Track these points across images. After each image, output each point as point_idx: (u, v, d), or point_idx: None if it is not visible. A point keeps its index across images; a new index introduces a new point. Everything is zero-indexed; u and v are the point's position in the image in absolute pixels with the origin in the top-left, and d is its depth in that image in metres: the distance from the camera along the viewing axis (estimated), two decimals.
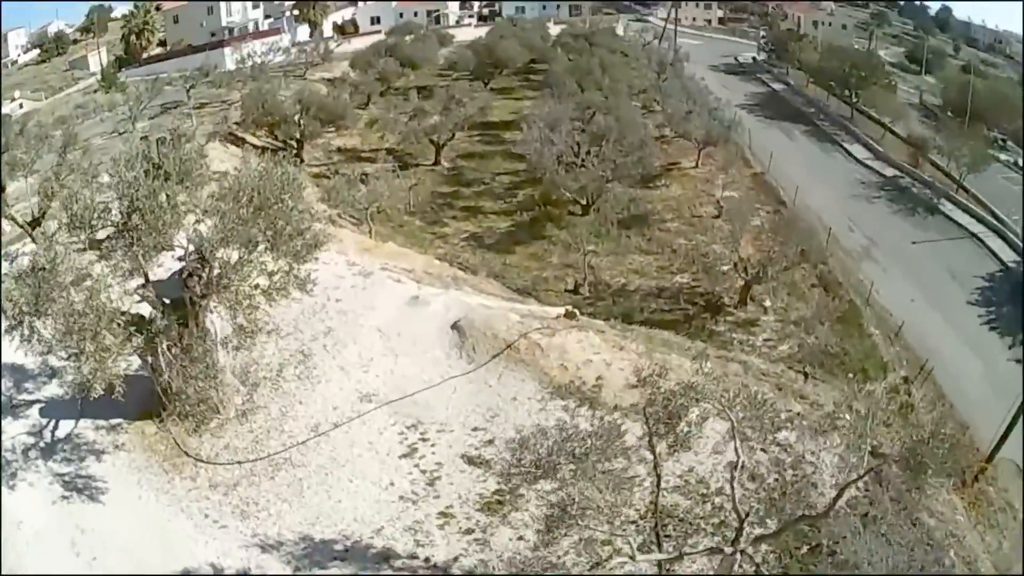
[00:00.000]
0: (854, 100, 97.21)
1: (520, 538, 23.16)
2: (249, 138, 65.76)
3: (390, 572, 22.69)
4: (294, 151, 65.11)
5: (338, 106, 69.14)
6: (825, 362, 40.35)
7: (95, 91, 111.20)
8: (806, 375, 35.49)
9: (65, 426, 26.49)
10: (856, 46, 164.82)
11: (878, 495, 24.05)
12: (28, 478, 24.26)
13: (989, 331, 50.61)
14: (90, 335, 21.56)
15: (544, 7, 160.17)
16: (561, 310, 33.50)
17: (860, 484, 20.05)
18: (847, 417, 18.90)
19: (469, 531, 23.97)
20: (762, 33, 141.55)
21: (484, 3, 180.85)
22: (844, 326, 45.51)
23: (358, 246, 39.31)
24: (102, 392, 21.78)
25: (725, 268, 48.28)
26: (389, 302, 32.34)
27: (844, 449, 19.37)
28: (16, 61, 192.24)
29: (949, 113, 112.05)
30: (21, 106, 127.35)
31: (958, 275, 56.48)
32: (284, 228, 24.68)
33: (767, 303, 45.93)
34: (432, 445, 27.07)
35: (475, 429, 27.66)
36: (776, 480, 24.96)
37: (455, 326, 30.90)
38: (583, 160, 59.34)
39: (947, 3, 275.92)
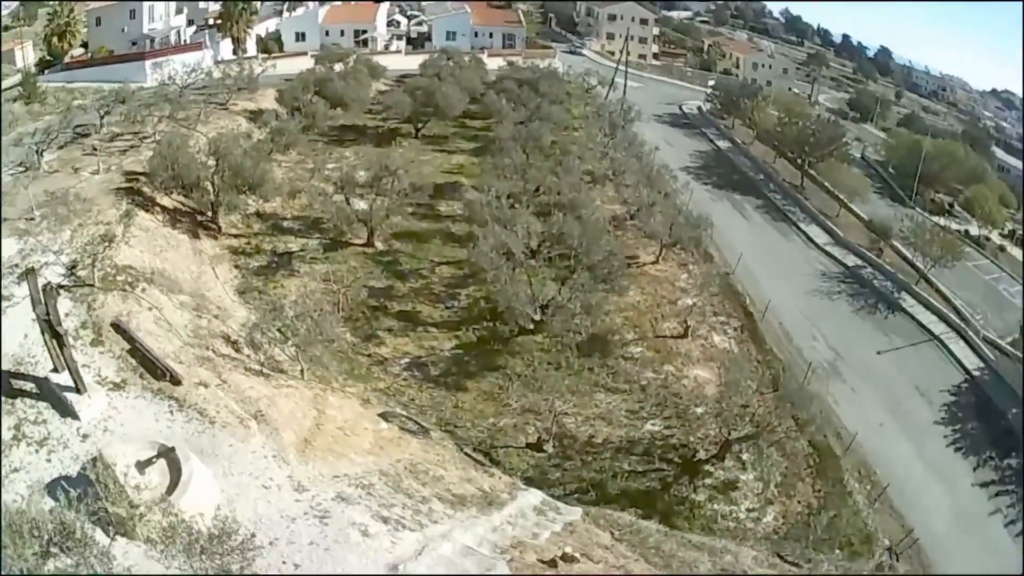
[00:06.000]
0: (808, 168, 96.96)
1: None
2: (160, 198, 60.48)
3: None
4: (209, 218, 61.62)
5: (256, 172, 62.97)
6: (812, 535, 39.01)
7: (14, 100, 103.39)
8: None
9: None
10: (795, 90, 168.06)
11: None
12: None
13: (954, 452, 51.64)
14: None
15: (476, 34, 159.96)
16: (553, 548, 29.76)
17: None
18: None
19: None
20: (711, 82, 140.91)
21: (413, 23, 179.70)
22: (824, 481, 44.53)
23: (296, 433, 33.28)
24: None
25: (699, 411, 46.80)
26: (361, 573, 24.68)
27: None
28: None
29: (891, 169, 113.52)
30: None
31: (924, 390, 56.96)
32: None
33: (744, 456, 43.83)
34: None
35: None
36: None
37: None
38: (537, 258, 57.41)
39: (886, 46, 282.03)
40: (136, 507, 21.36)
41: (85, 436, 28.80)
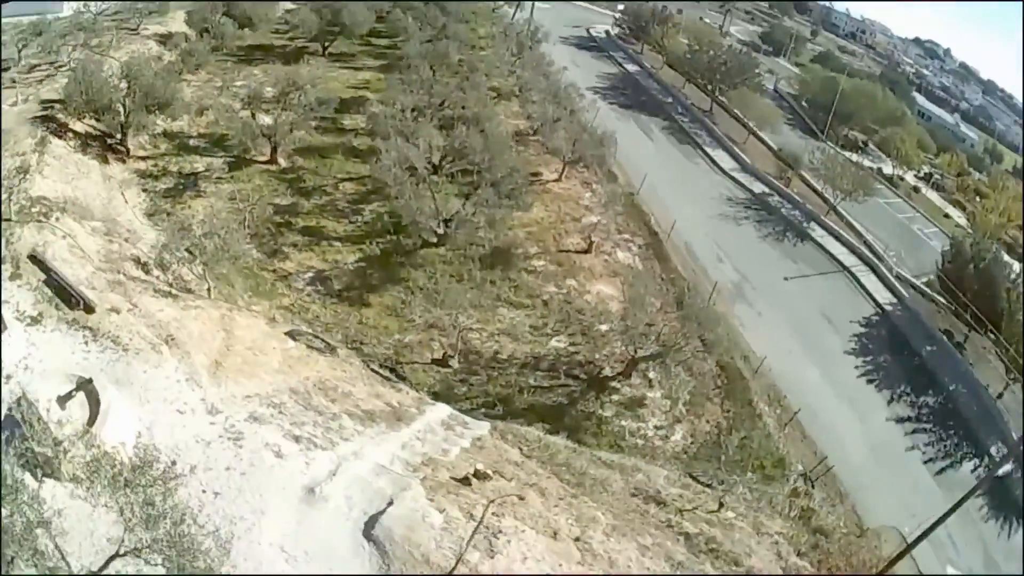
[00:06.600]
0: (718, 95, 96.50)
1: None
2: (73, 123, 59.44)
3: None
4: (118, 141, 60.66)
5: (167, 92, 63.38)
6: (722, 455, 37.96)
7: None
8: (721, 504, 32.95)
9: None
10: (706, 20, 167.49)
11: None
12: None
13: (867, 384, 51.73)
14: None
15: None
16: (464, 464, 29.08)
17: None
18: None
19: None
20: (620, 7, 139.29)
21: None
22: (734, 404, 44.55)
23: (206, 355, 32.88)
24: None
25: (603, 328, 46.52)
26: (279, 497, 24.83)
27: None
28: None
29: (804, 104, 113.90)
30: None
31: (833, 319, 57.07)
32: None
33: (651, 374, 43.89)
34: None
35: None
36: None
37: (369, 535, 24.24)
38: (440, 174, 57.53)
39: None
40: (60, 443, 21.62)
41: (8, 377, 27.73)
